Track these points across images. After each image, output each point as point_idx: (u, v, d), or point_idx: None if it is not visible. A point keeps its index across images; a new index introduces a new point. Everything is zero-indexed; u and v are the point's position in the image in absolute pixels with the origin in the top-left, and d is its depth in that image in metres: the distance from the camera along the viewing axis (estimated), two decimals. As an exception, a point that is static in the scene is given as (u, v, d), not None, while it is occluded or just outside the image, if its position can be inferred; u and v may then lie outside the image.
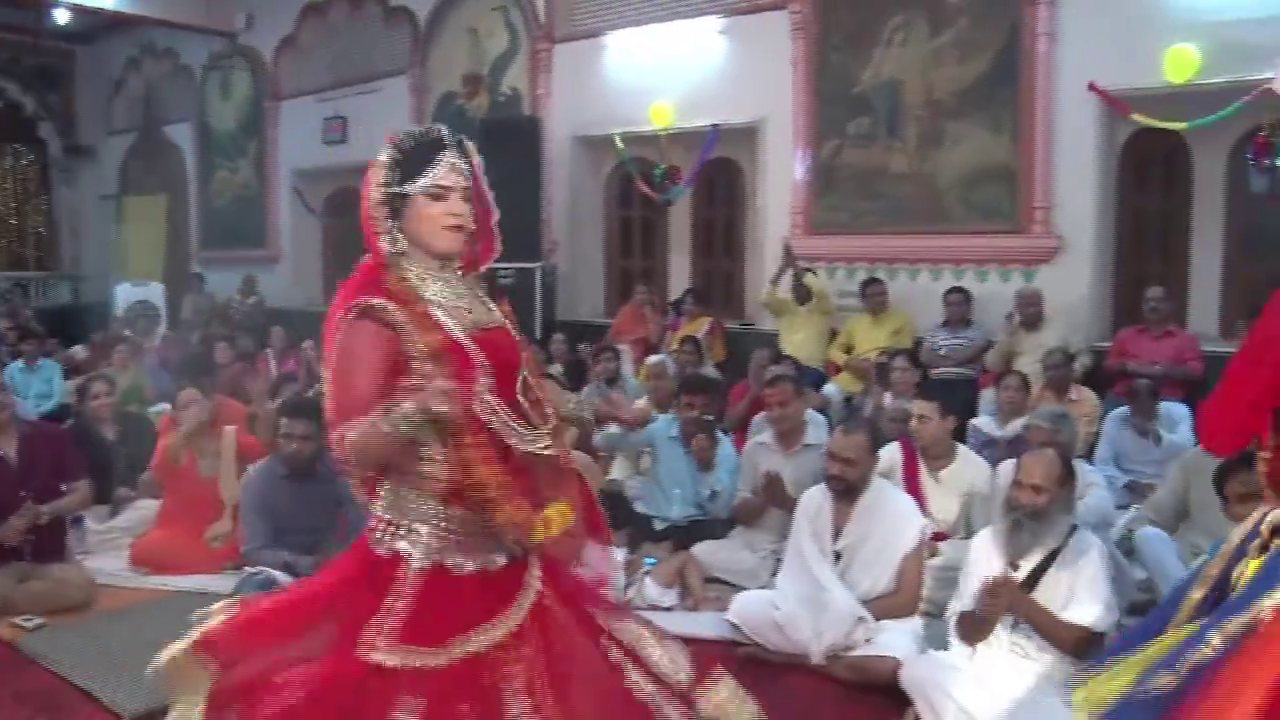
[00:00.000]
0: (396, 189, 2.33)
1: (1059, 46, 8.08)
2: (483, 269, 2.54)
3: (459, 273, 2.46)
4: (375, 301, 2.25)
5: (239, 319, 12.96)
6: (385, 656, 2.20)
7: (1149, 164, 8.39)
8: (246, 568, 5.07)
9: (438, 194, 2.34)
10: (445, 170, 2.34)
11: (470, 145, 2.43)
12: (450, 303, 2.38)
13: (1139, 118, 7.75)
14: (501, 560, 2.36)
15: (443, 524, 2.31)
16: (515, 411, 2.36)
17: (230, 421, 6.13)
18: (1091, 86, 7.88)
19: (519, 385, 2.42)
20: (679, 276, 10.97)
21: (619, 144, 10.39)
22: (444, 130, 2.40)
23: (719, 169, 10.47)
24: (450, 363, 2.24)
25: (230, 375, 8.51)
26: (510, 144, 10.17)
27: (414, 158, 2.33)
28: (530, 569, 2.42)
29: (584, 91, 10.81)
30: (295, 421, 5.15)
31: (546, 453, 2.38)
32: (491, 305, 2.49)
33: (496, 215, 2.53)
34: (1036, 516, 3.85)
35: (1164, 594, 4.41)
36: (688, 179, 10.12)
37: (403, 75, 12.55)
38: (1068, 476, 3.97)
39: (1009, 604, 3.78)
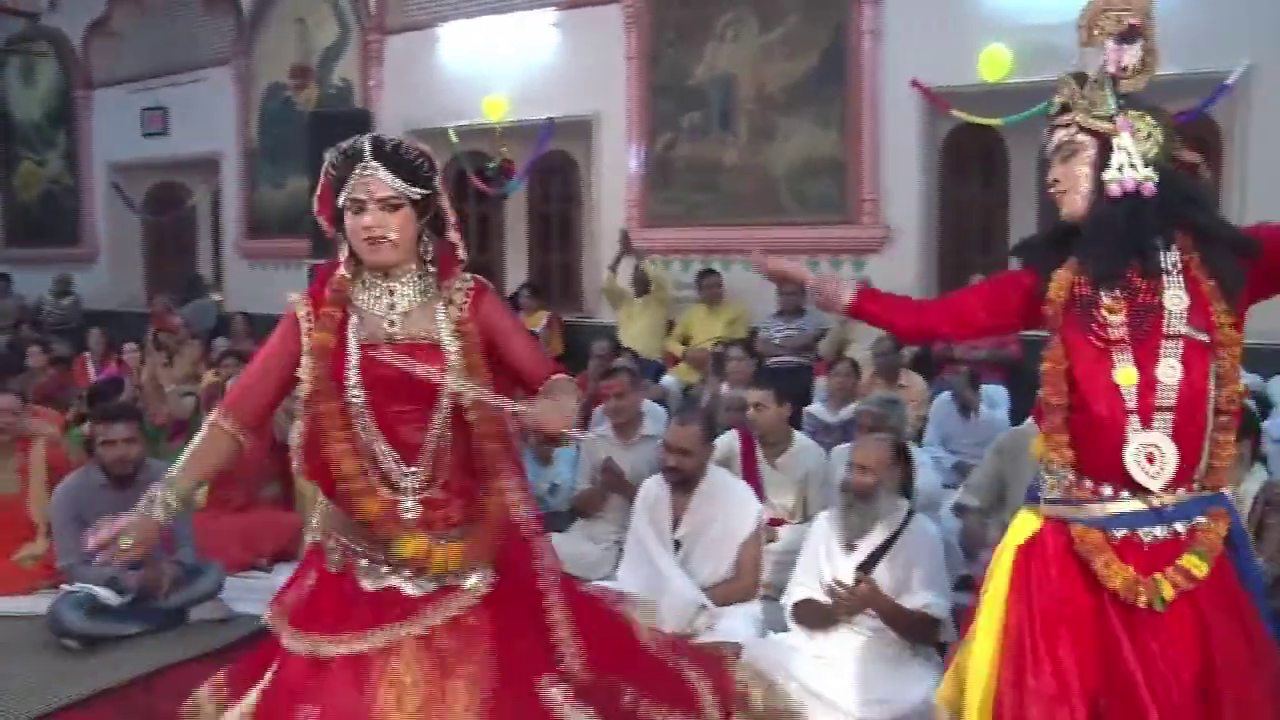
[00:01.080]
0: (336, 202, 2.41)
1: (883, 45, 8.34)
2: (453, 282, 2.51)
3: (422, 281, 2.49)
4: (294, 297, 2.49)
5: (53, 321, 12.27)
6: (278, 629, 2.46)
7: (969, 158, 8.75)
8: (64, 586, 4.76)
9: (355, 206, 2.37)
10: (359, 182, 2.36)
11: (410, 156, 2.40)
12: (371, 310, 2.45)
13: (958, 114, 8.06)
14: (400, 584, 2.43)
15: (345, 538, 2.46)
16: (389, 432, 2.42)
17: (42, 432, 5.69)
18: (914, 83, 8.15)
19: (437, 411, 2.42)
20: (515, 271, 10.90)
21: (452, 137, 10.24)
22: (367, 143, 2.40)
23: (554, 162, 10.44)
24: (324, 363, 2.39)
25: (43, 382, 8.04)
26: (340, 137, 9.63)
27: (340, 170, 2.39)
28: (448, 597, 2.43)
29: (417, 84, 10.61)
30: (114, 426, 4.88)
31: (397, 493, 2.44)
32: (442, 320, 2.46)
33: (453, 218, 2.54)
34: (866, 498, 3.97)
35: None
36: (522, 173, 10.06)
37: (227, 65, 12.08)
38: (898, 460, 4.09)
39: (863, 605, 3.87)
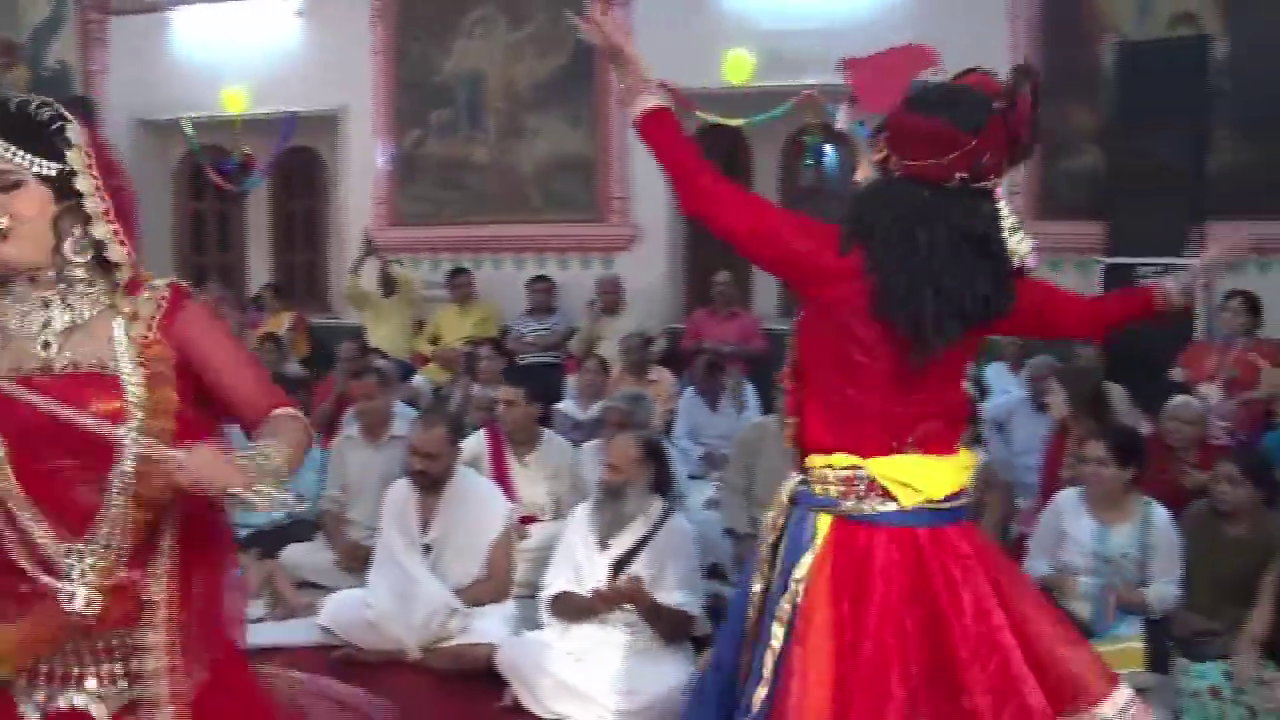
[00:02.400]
0: None
1: (636, 45, 8.45)
2: (142, 291, 1.95)
3: (92, 290, 1.91)
4: None
5: None
6: None
7: (714, 157, 8.96)
8: None
9: None
10: None
11: (38, 116, 1.83)
12: (20, 329, 1.86)
13: (702, 115, 8.30)
14: (85, 702, 1.88)
15: None
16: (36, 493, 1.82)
17: None
18: (661, 84, 8.29)
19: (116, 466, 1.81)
20: (259, 271, 10.46)
21: (188, 130, 9.71)
22: None
23: (298, 158, 10.08)
24: None
25: None
26: (60, 125, 9.21)
27: None
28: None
29: (147, 71, 9.98)
30: None
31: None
32: (120, 341, 1.88)
33: (102, 205, 1.87)
34: (615, 495, 4.04)
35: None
36: (264, 168, 9.66)
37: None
38: (648, 457, 4.16)
39: (624, 600, 3.92)
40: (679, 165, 2.29)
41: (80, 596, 1.81)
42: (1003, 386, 6.86)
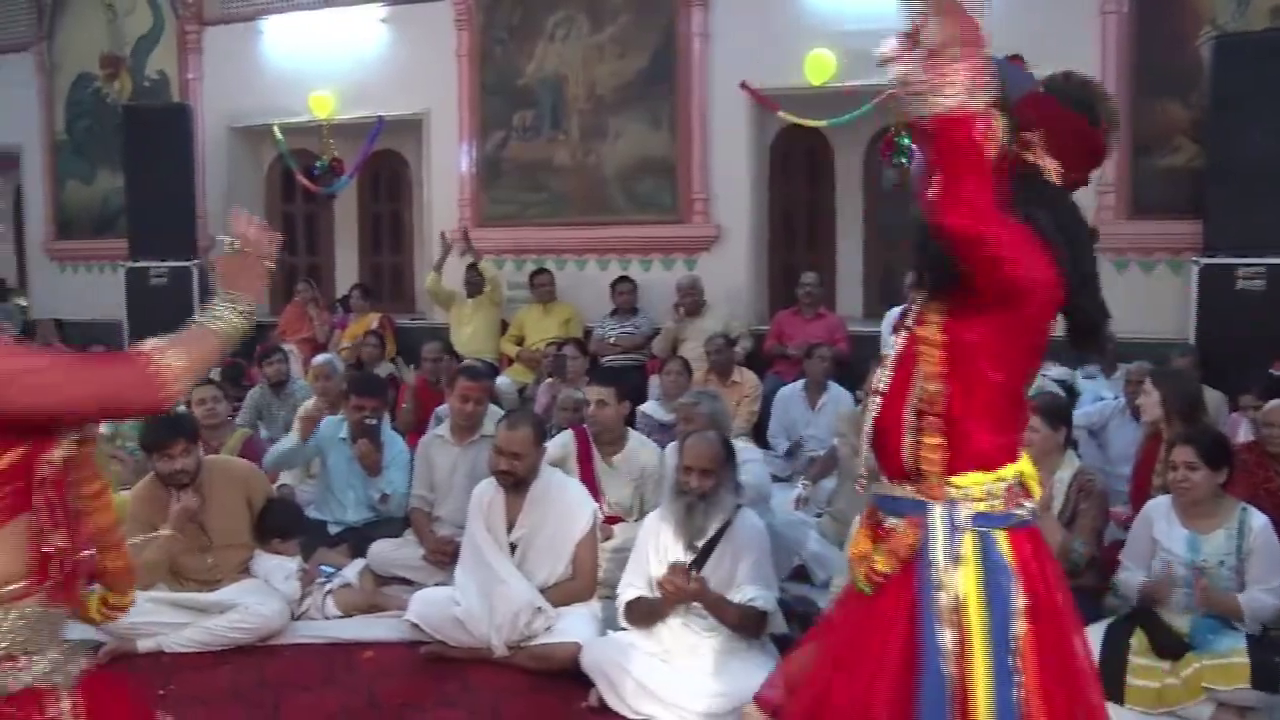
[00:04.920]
0: None
1: (712, 47, 8.49)
2: None
3: None
4: None
5: None
6: None
7: (795, 159, 8.98)
8: None
9: None
10: None
11: None
12: None
13: (785, 115, 8.27)
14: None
15: None
16: None
17: None
18: (743, 85, 8.31)
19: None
20: (346, 272, 10.66)
21: (278, 135, 9.93)
22: None
23: (384, 161, 10.28)
24: None
25: None
26: (157, 132, 9.55)
27: None
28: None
29: (239, 78, 10.24)
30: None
31: None
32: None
33: None
34: (706, 499, 4.01)
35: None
36: (351, 171, 9.83)
37: (26, 51, 11.36)
38: (729, 457, 4.15)
39: (690, 598, 3.90)
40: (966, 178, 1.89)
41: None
42: (1096, 392, 6.71)
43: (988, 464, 2.10)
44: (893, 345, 2.25)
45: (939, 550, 2.08)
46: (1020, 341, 2.07)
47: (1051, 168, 2.10)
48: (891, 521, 2.17)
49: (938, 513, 2.09)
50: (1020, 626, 2.02)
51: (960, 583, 2.05)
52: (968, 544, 2.07)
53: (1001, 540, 2.07)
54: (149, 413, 1.97)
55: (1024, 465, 2.16)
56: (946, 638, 2.03)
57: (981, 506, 2.08)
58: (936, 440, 2.09)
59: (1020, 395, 2.18)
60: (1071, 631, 2.12)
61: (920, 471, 2.11)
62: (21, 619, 1.81)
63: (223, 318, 2.03)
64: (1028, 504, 2.14)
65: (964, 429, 2.09)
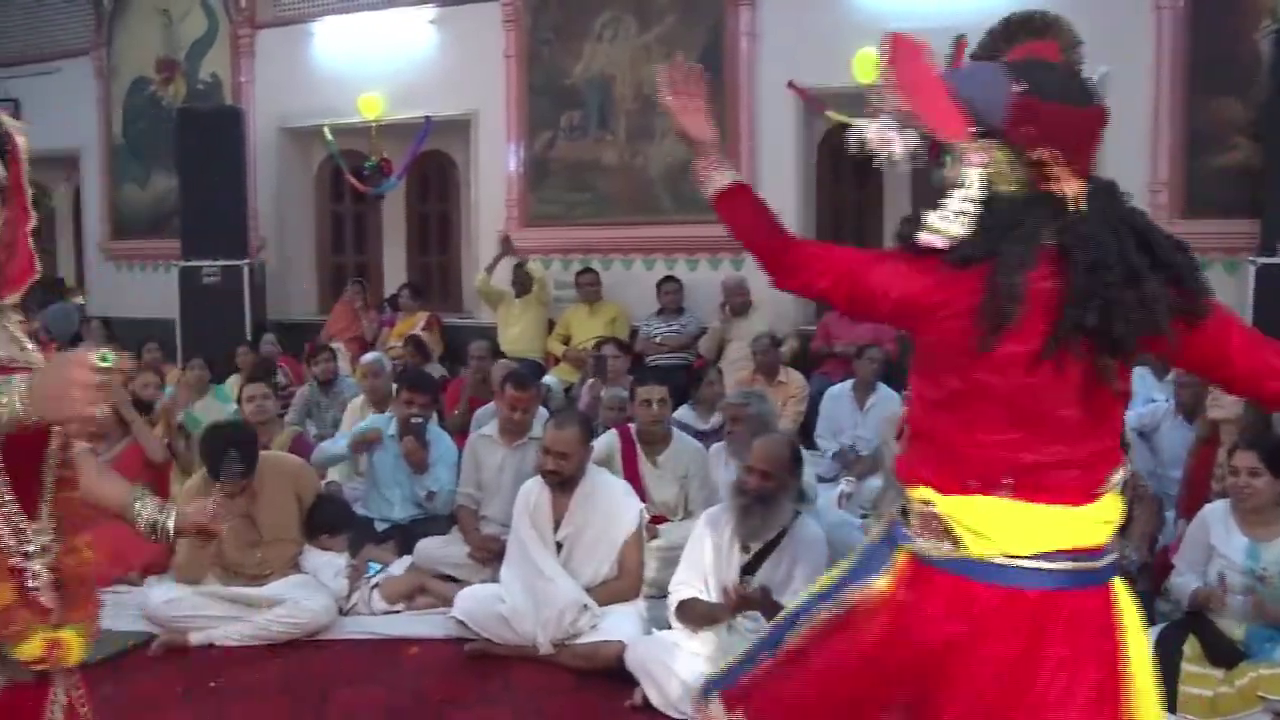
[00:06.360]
0: None
1: (760, 46, 8.47)
2: (15, 295, 1.87)
3: None
4: None
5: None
6: None
7: (844, 158, 8.91)
8: None
9: None
10: None
11: None
12: None
13: (833, 115, 8.20)
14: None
15: None
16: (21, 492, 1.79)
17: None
18: (790, 85, 8.27)
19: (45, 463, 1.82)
20: (394, 271, 10.74)
21: (328, 135, 10.03)
22: None
23: (432, 162, 10.34)
24: None
25: None
26: (210, 134, 9.65)
27: None
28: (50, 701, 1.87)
29: (290, 80, 10.36)
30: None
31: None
32: (27, 344, 1.85)
33: (32, 222, 1.87)
34: (766, 501, 3.97)
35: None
36: (399, 172, 9.91)
37: (85, 56, 11.58)
38: (796, 463, 4.12)
39: (753, 607, 3.87)
40: (760, 246, 2.24)
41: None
42: (1147, 394, 6.59)
43: (910, 481, 2.07)
44: None
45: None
46: (938, 379, 2.02)
47: (1073, 192, 1.93)
48: None
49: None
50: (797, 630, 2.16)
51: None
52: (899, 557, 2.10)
53: (899, 557, 2.07)
54: None
55: (957, 505, 1.98)
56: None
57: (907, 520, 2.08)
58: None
59: (971, 430, 1.99)
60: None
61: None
62: None
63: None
64: (941, 544, 2.00)
65: (911, 449, 2.13)
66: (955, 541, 1.97)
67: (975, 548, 1.95)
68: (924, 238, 1.97)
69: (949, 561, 1.98)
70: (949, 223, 1.96)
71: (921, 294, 2.00)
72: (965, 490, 1.97)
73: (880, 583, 2.07)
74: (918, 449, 2.11)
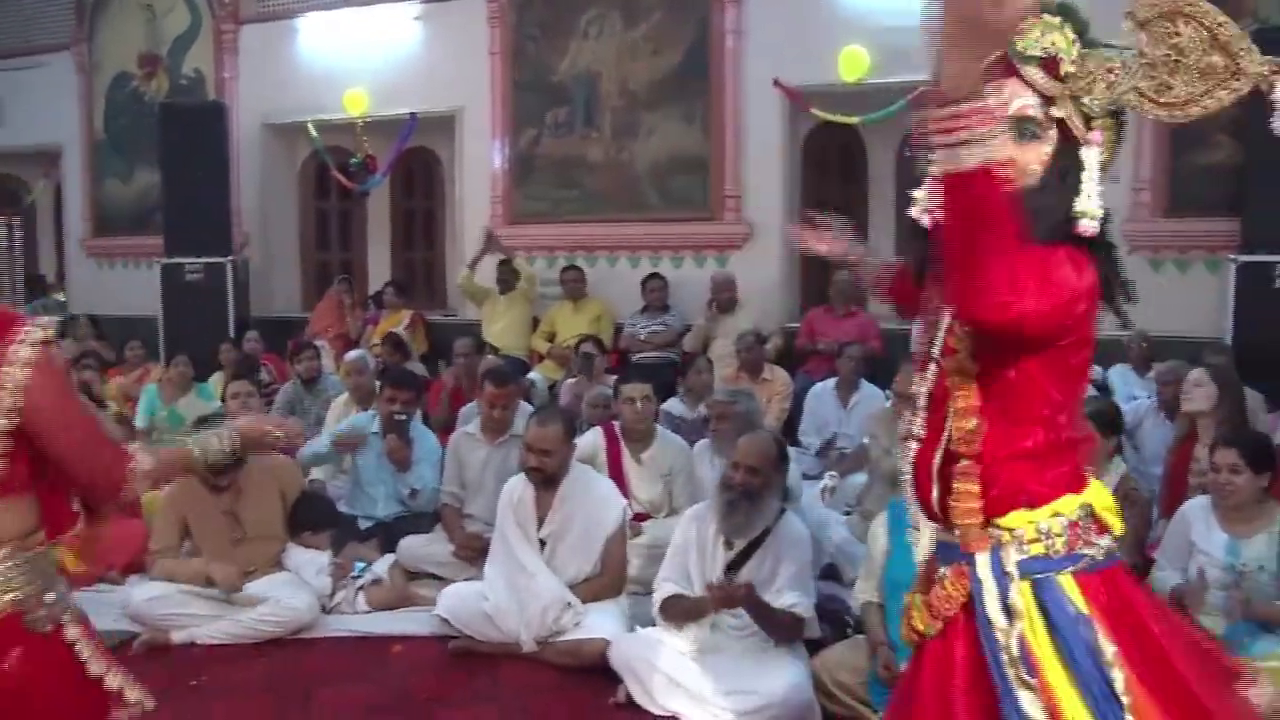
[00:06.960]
0: None
1: (745, 43, 8.47)
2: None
3: None
4: None
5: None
6: None
7: (829, 156, 8.95)
8: None
9: None
10: None
11: None
12: None
13: (818, 113, 8.23)
14: None
15: None
16: None
17: None
18: (776, 83, 8.28)
19: None
20: (379, 268, 10.73)
21: (312, 132, 10.00)
22: None
23: (417, 158, 10.33)
24: None
25: None
26: (193, 130, 9.60)
27: None
28: None
29: (274, 76, 10.31)
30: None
31: None
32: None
33: None
34: (751, 497, 3.97)
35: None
36: (384, 168, 9.89)
37: (67, 51, 11.49)
38: (782, 460, 4.12)
39: (737, 605, 3.88)
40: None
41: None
42: (1129, 391, 6.63)
43: (1037, 499, 1.84)
44: (917, 383, 2.00)
45: (992, 605, 1.82)
46: (1068, 363, 1.85)
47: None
48: (941, 571, 1.91)
49: (983, 561, 1.85)
50: (1119, 674, 1.75)
51: (1024, 639, 1.78)
52: (1024, 594, 1.81)
53: (1068, 586, 1.81)
54: (105, 499, 2.11)
55: (1094, 495, 1.89)
56: (1025, 700, 1.76)
57: (1037, 549, 1.83)
58: (971, 487, 1.85)
59: (1074, 417, 1.90)
60: (1174, 656, 1.82)
61: (958, 524, 1.88)
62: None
63: (206, 444, 2.22)
64: (1102, 540, 1.87)
65: (1008, 467, 1.84)
66: (1107, 529, 1.88)
67: (1118, 524, 1.90)
68: (1086, 225, 1.84)
69: (1112, 555, 1.89)
70: (1095, 204, 1.85)
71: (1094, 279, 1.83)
72: (1087, 479, 1.91)
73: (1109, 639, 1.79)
74: (1047, 463, 1.87)
